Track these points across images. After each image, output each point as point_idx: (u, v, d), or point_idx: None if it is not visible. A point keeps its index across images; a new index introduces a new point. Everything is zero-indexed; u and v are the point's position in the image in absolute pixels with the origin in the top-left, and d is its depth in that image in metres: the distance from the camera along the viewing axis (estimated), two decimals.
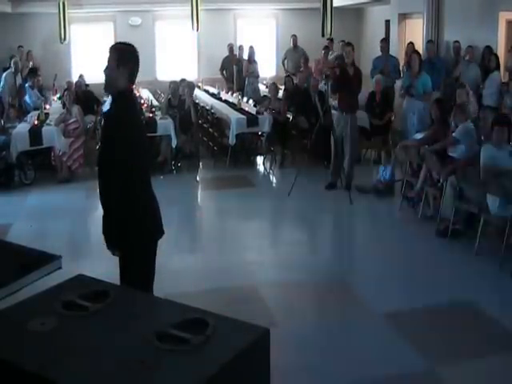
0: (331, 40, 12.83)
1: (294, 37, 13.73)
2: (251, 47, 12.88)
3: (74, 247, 6.30)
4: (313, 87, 9.90)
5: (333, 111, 8.04)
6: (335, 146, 7.96)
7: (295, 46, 13.67)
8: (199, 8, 12.29)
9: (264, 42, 16.19)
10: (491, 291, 5.08)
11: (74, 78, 12.62)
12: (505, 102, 8.58)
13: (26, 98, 11.13)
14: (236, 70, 13.25)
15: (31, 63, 13.19)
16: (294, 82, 10.60)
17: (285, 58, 13.82)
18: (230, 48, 13.98)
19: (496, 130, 5.69)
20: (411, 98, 8.44)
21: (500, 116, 6.42)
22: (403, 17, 13.22)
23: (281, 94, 11.01)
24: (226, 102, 11.27)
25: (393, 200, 7.69)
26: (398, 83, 10.31)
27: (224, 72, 13.88)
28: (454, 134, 6.60)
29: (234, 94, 12.10)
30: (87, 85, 11.75)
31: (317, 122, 8.47)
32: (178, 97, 9.69)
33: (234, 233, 6.78)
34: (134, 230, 3.48)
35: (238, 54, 13.75)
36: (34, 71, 12.52)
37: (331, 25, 12.02)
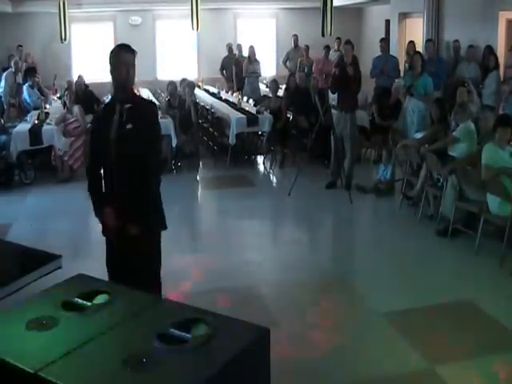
0: (339, 39, 12.80)
1: (295, 37, 13.74)
2: (251, 47, 12.88)
3: (74, 247, 6.29)
4: (313, 87, 9.89)
5: (333, 110, 8.04)
6: (335, 145, 7.96)
7: (296, 45, 13.67)
8: (199, 7, 12.28)
9: (264, 41, 16.19)
10: (491, 291, 5.07)
11: (75, 78, 12.62)
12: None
13: (26, 97, 11.13)
14: (235, 69, 13.25)
15: (25, 64, 13.14)
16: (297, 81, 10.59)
17: (286, 59, 13.82)
18: (229, 48, 13.98)
19: (499, 130, 5.68)
20: (412, 98, 8.43)
21: (503, 116, 6.41)
22: (403, 16, 13.22)
23: (280, 92, 11.01)
24: (226, 101, 11.28)
25: (393, 199, 7.69)
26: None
27: (224, 72, 13.88)
28: (454, 133, 6.60)
29: (234, 94, 12.11)
30: (87, 85, 11.74)
31: (317, 121, 8.47)
32: (178, 97, 9.69)
33: (235, 232, 6.78)
34: (155, 215, 3.70)
35: (236, 53, 13.75)
36: (31, 70, 12.52)
37: (331, 24, 12.02)
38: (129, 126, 3.46)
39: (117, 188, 3.54)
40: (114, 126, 3.47)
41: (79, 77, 11.83)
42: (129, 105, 3.49)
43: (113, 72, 3.51)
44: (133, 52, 3.54)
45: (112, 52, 3.53)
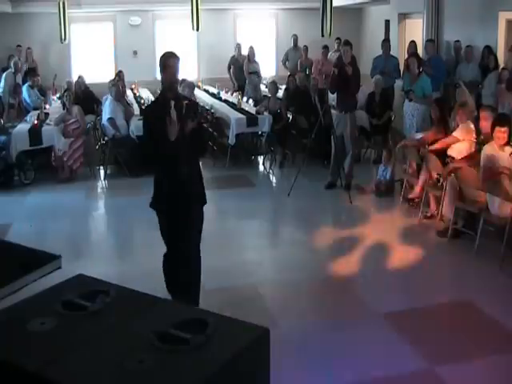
0: (339, 39, 12.78)
1: (295, 36, 13.73)
2: (251, 47, 12.89)
3: (74, 247, 6.30)
4: (313, 87, 9.87)
5: (332, 111, 8.05)
6: (335, 145, 7.96)
7: (295, 45, 13.68)
8: (199, 8, 12.28)
9: (264, 41, 16.20)
10: (491, 291, 5.08)
11: (74, 78, 12.62)
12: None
13: (26, 97, 11.14)
14: (233, 69, 13.25)
15: (26, 65, 13.15)
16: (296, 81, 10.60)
17: (286, 59, 13.81)
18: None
19: (497, 130, 5.68)
20: (410, 102, 8.41)
21: (501, 116, 6.41)
22: (403, 16, 13.23)
23: (280, 93, 11.01)
24: (225, 101, 11.28)
25: (393, 200, 7.69)
26: (398, 82, 10.32)
27: (230, 71, 13.85)
28: (454, 133, 6.60)
29: (234, 94, 12.12)
30: (87, 86, 11.74)
31: (316, 121, 8.47)
32: None
33: (234, 232, 6.77)
34: None
35: (236, 53, 13.75)
36: (32, 70, 12.55)
37: (331, 24, 12.01)
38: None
39: (182, 170, 4.19)
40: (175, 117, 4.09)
41: (79, 77, 11.83)
42: (186, 101, 4.22)
43: (164, 74, 4.20)
44: (178, 57, 4.22)
45: (162, 57, 4.21)
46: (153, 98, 11.73)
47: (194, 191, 4.36)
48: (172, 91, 4.25)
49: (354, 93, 8.02)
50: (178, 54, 4.24)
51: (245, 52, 13.33)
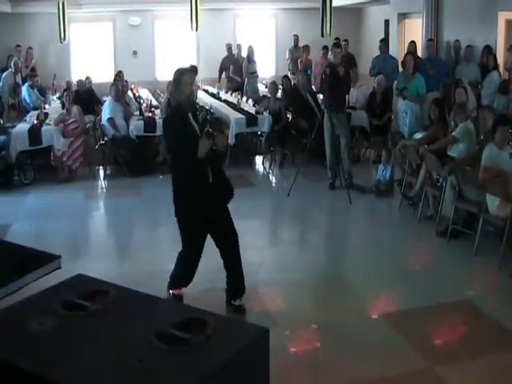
0: (338, 39, 12.82)
1: (296, 37, 13.74)
2: (250, 47, 12.89)
3: (74, 247, 6.29)
4: (302, 85, 9.85)
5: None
6: (332, 145, 7.97)
7: (296, 45, 13.70)
8: (199, 8, 12.28)
9: (263, 41, 16.21)
10: (491, 291, 5.08)
11: (74, 78, 12.62)
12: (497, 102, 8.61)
13: (25, 97, 11.14)
14: (233, 69, 13.27)
15: (25, 65, 13.16)
16: (293, 82, 10.59)
17: (291, 57, 13.82)
18: (229, 48, 13.99)
19: (499, 130, 5.67)
20: (404, 100, 8.42)
21: (503, 116, 6.40)
22: (403, 16, 13.23)
23: (279, 93, 11.01)
24: (225, 101, 11.28)
25: (392, 200, 7.69)
26: None
27: (224, 73, 13.86)
28: (453, 133, 6.60)
29: (234, 94, 12.12)
30: (92, 88, 11.75)
31: (316, 121, 8.47)
32: None
33: None
34: None
35: (236, 53, 13.75)
36: (31, 70, 12.55)
37: (331, 24, 12.02)
38: (206, 129, 4.32)
39: (211, 167, 4.39)
40: (196, 127, 4.37)
41: (87, 78, 11.85)
42: (202, 114, 4.55)
43: (179, 90, 4.38)
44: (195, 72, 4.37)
45: (177, 74, 4.36)
46: (152, 99, 11.77)
47: (224, 191, 4.55)
48: (189, 104, 4.43)
49: (344, 93, 8.07)
50: (195, 68, 4.45)
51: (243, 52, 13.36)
